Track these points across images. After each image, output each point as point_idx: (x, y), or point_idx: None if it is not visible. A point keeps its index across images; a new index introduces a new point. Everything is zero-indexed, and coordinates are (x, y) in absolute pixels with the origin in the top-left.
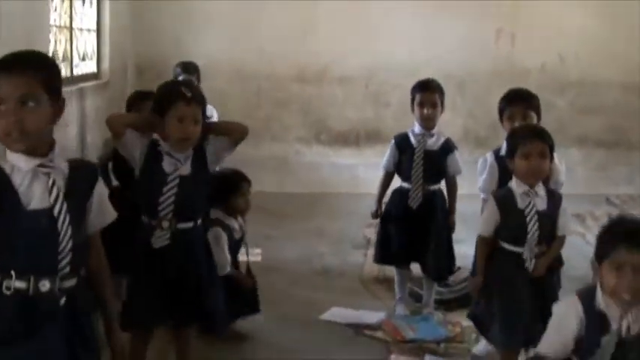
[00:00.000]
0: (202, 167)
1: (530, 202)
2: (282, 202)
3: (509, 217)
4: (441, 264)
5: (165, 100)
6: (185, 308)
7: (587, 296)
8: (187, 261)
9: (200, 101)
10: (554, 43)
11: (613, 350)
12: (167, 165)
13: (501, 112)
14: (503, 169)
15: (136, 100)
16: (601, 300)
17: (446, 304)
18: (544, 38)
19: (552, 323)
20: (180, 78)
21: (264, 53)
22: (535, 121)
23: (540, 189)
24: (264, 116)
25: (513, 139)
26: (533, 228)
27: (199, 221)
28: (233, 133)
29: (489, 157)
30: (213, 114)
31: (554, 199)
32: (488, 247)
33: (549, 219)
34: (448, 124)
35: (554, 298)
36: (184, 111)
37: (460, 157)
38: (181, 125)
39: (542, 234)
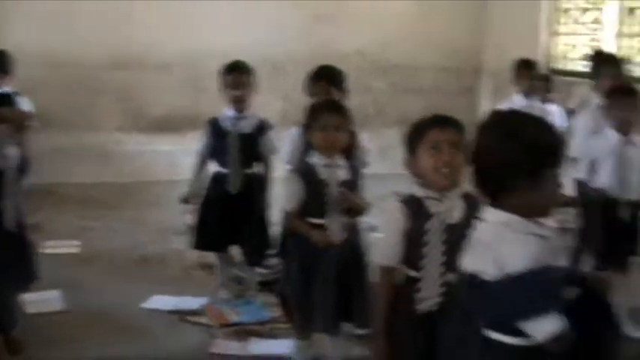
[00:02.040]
0: None
1: (331, 173)
2: (101, 193)
3: (312, 189)
4: (257, 248)
5: None
6: None
7: (405, 195)
8: None
9: None
10: (373, 27)
11: (441, 233)
12: None
13: (308, 89)
14: (308, 143)
15: None
16: (418, 190)
17: (269, 286)
18: (363, 22)
19: (384, 231)
20: None
21: (78, 41)
22: (337, 97)
23: (340, 160)
24: (81, 105)
25: (311, 112)
26: (333, 199)
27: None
28: (10, 121)
29: (294, 130)
30: (27, 106)
31: (356, 170)
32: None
33: (351, 188)
34: (267, 108)
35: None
36: None
37: (278, 138)
38: None
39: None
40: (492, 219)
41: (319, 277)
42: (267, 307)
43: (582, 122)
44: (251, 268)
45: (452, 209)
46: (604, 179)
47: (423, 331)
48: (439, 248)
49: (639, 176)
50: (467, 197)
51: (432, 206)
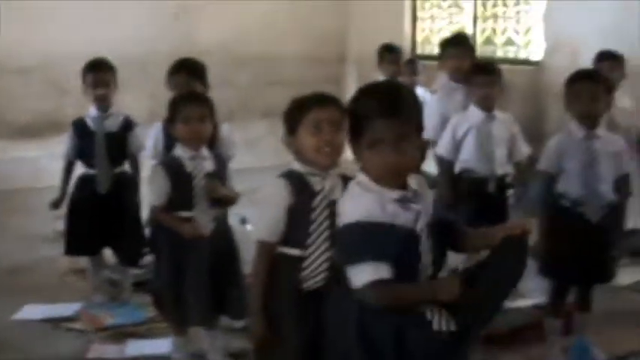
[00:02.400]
0: None
1: (197, 165)
2: None
3: (179, 182)
4: (133, 247)
5: None
6: None
7: (286, 172)
8: None
9: None
10: (233, 20)
11: (326, 209)
12: None
13: (169, 82)
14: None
15: None
16: (300, 167)
17: (143, 286)
18: (223, 16)
19: (262, 207)
20: None
21: None
22: (199, 89)
23: (205, 151)
24: None
25: (173, 105)
26: (201, 191)
27: None
28: None
29: (156, 125)
30: None
31: (222, 161)
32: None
33: (220, 179)
34: (133, 107)
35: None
36: None
37: (145, 137)
38: None
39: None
40: (356, 179)
41: (191, 270)
42: (142, 308)
43: (434, 103)
44: (124, 270)
45: (334, 186)
46: (467, 156)
47: (311, 309)
48: (324, 225)
49: (503, 151)
50: (344, 177)
51: (316, 183)
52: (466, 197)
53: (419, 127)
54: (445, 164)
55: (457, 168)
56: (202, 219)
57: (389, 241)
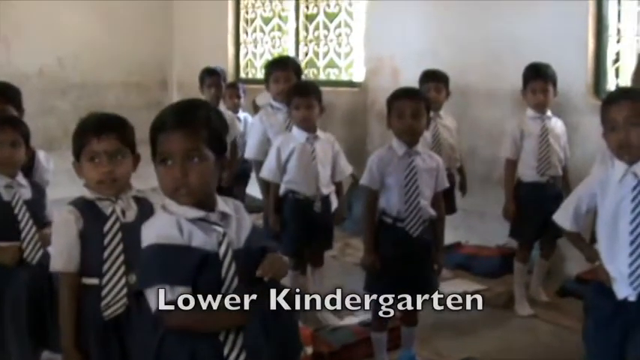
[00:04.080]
0: None
1: (15, 193)
2: None
3: None
4: None
5: None
6: None
7: (76, 199)
8: None
9: None
10: (51, 45)
11: (117, 234)
12: None
13: None
14: None
15: None
16: (89, 193)
17: None
18: (41, 41)
19: (54, 237)
20: None
21: None
22: (14, 112)
23: (22, 179)
24: None
25: None
26: (24, 218)
27: None
28: None
29: None
30: None
31: (39, 189)
32: None
33: (36, 207)
34: None
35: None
36: None
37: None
38: None
39: (35, 222)
40: (163, 201)
41: (9, 304)
42: None
43: (256, 122)
44: None
45: (126, 209)
46: (292, 177)
47: (113, 338)
48: (118, 249)
49: (327, 170)
50: (138, 200)
51: (106, 207)
52: (293, 218)
53: (215, 146)
54: (271, 187)
55: (282, 189)
56: (27, 247)
57: (184, 263)
